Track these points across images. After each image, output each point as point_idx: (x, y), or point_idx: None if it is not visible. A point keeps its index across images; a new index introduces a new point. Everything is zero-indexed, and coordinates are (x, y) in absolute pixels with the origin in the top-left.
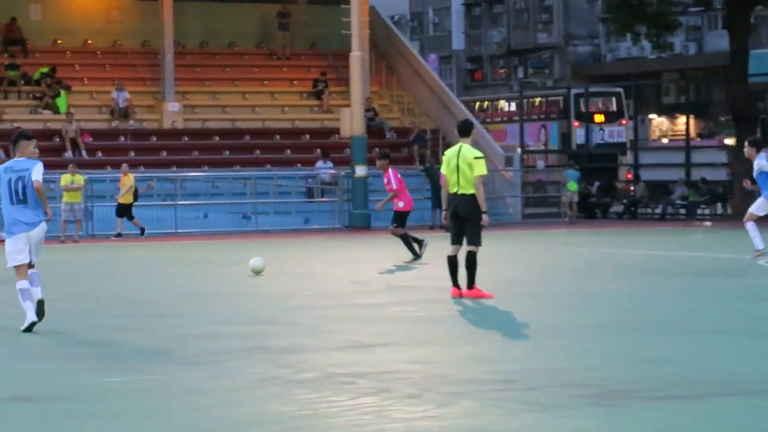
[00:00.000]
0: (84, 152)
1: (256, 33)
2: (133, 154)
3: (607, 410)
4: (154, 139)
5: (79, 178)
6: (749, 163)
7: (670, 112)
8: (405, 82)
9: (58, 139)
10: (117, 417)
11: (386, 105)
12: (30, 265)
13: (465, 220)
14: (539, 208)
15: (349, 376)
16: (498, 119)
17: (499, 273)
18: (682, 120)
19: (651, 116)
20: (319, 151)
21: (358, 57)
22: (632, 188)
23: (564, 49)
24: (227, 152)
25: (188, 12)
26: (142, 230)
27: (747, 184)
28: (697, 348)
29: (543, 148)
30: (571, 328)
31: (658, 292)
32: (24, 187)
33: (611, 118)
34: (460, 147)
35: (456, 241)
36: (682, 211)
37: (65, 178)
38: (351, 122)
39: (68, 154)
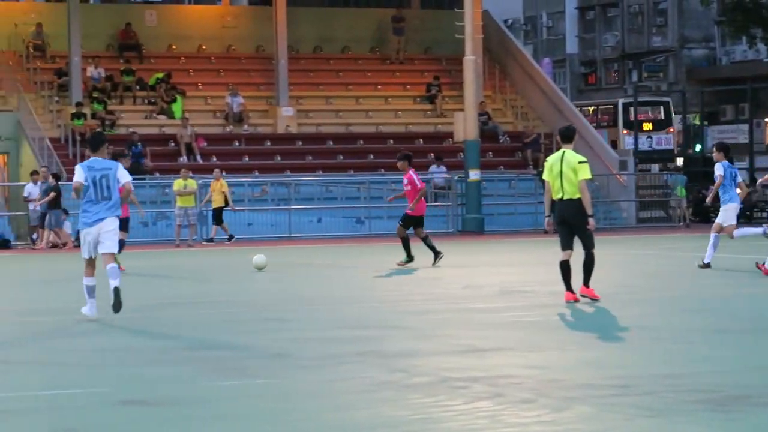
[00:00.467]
0: (199, 157)
1: (370, 38)
2: (247, 158)
3: (723, 416)
4: (268, 143)
5: (192, 183)
6: None
7: None
8: (518, 86)
9: (173, 144)
10: (230, 421)
11: (499, 109)
12: (109, 257)
13: (573, 226)
14: (652, 211)
15: (462, 381)
16: None
17: (612, 277)
18: None
19: (767, 120)
20: (432, 155)
21: (471, 61)
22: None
23: (678, 52)
24: (341, 157)
25: (302, 17)
26: (230, 237)
27: None
28: None
29: None
30: (686, 332)
31: None
32: (108, 186)
33: (659, 126)
34: (563, 153)
35: (567, 246)
36: None
37: (178, 183)
38: (464, 126)
39: (183, 159)
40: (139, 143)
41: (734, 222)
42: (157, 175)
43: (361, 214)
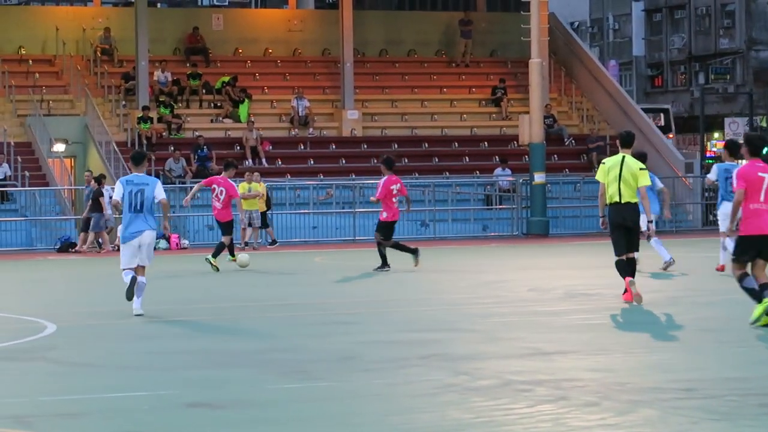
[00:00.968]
0: (264, 160)
1: (436, 41)
2: (312, 161)
3: None
4: (333, 146)
5: (257, 186)
6: None
7: None
8: (584, 88)
9: (239, 148)
10: (295, 423)
11: (565, 112)
12: (140, 270)
13: (631, 230)
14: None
15: (526, 384)
16: None
17: (678, 280)
18: None
19: None
20: (497, 158)
21: (537, 64)
22: None
23: (746, 54)
24: (406, 160)
25: (368, 20)
26: (274, 241)
27: None
28: None
29: None
30: (752, 336)
31: None
32: (143, 200)
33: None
34: (623, 157)
35: (628, 249)
36: None
37: (242, 186)
38: (530, 129)
39: (249, 162)
40: (205, 147)
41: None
42: None
43: (426, 217)
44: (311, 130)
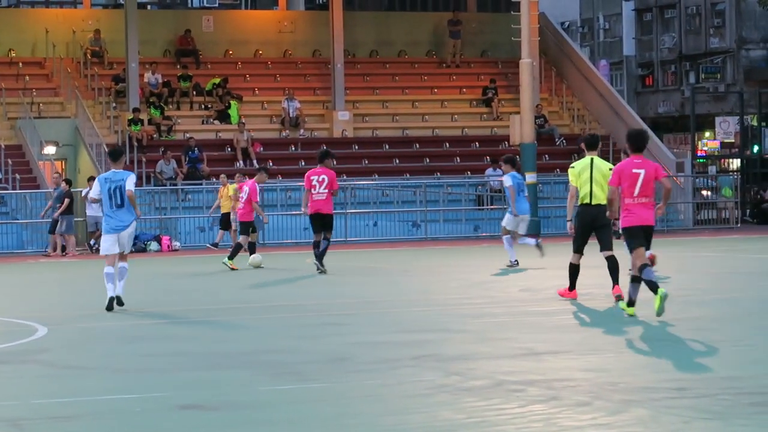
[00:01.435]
0: (255, 162)
1: (426, 41)
2: (303, 163)
3: None
4: (324, 147)
5: (231, 188)
6: None
7: None
8: (575, 88)
9: (229, 149)
10: (287, 425)
11: (556, 112)
12: (122, 257)
13: (599, 229)
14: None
15: (518, 384)
16: None
17: (670, 280)
18: None
19: None
20: (488, 158)
21: (528, 64)
22: None
23: (736, 53)
24: (397, 160)
25: (358, 21)
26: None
27: None
28: None
29: None
30: (744, 335)
31: None
32: (121, 195)
33: None
34: (592, 159)
35: (581, 250)
36: None
37: (231, 188)
38: (521, 129)
39: (239, 163)
40: (195, 148)
41: (511, 228)
42: (214, 180)
43: (417, 218)
44: (302, 131)
